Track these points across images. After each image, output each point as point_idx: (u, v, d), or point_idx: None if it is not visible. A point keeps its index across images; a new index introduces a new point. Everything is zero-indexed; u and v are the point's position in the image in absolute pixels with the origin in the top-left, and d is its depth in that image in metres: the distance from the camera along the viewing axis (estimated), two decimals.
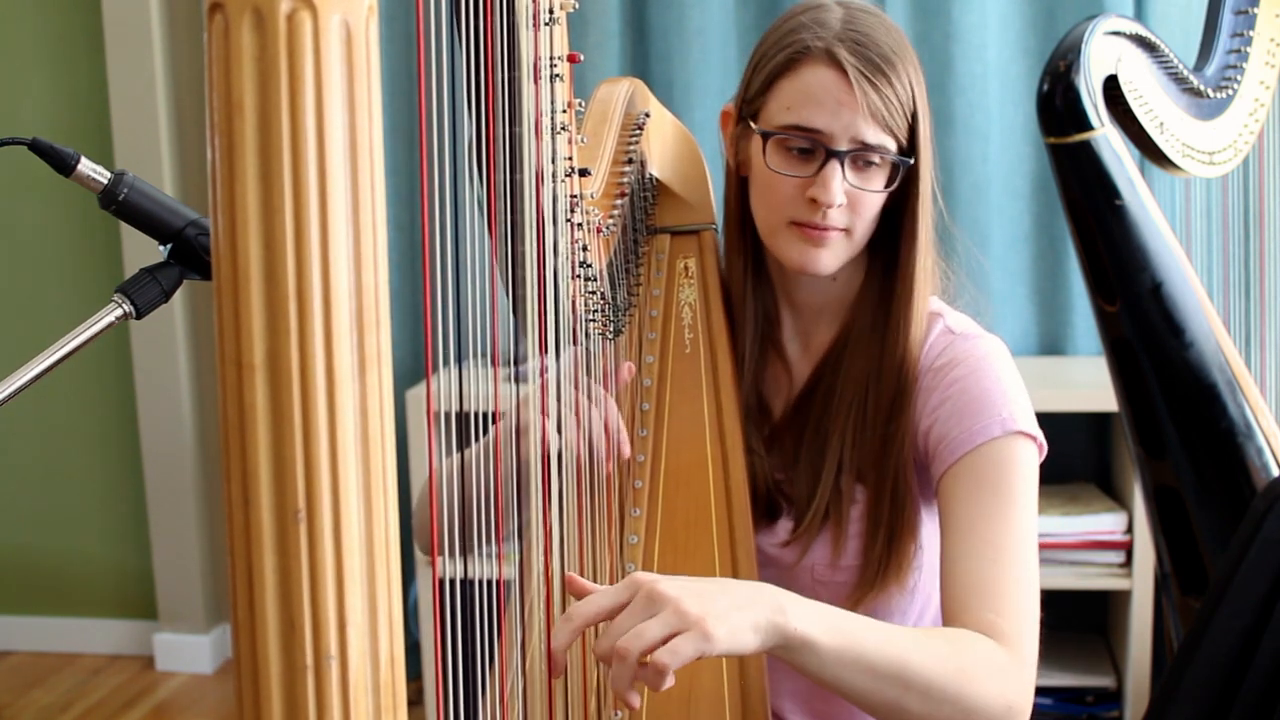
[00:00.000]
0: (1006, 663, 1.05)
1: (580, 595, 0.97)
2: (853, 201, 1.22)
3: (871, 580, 1.24)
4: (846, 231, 1.23)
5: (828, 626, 0.97)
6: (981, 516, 1.14)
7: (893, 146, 1.21)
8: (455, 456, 1.21)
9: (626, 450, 1.16)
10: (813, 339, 1.34)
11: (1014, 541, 1.13)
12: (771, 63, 1.23)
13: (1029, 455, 1.18)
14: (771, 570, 1.26)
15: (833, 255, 1.24)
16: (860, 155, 1.21)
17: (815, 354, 1.33)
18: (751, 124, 1.25)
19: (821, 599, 1.26)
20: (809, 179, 1.21)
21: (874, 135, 1.20)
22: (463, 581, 0.85)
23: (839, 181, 1.20)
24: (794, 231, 1.24)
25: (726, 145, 1.33)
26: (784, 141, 1.22)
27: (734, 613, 0.92)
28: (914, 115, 1.21)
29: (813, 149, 1.21)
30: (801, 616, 0.95)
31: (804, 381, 1.32)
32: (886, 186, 1.23)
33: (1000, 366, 1.23)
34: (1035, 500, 1.18)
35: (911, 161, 1.22)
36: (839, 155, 1.20)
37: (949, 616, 1.12)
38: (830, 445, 1.26)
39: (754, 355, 1.33)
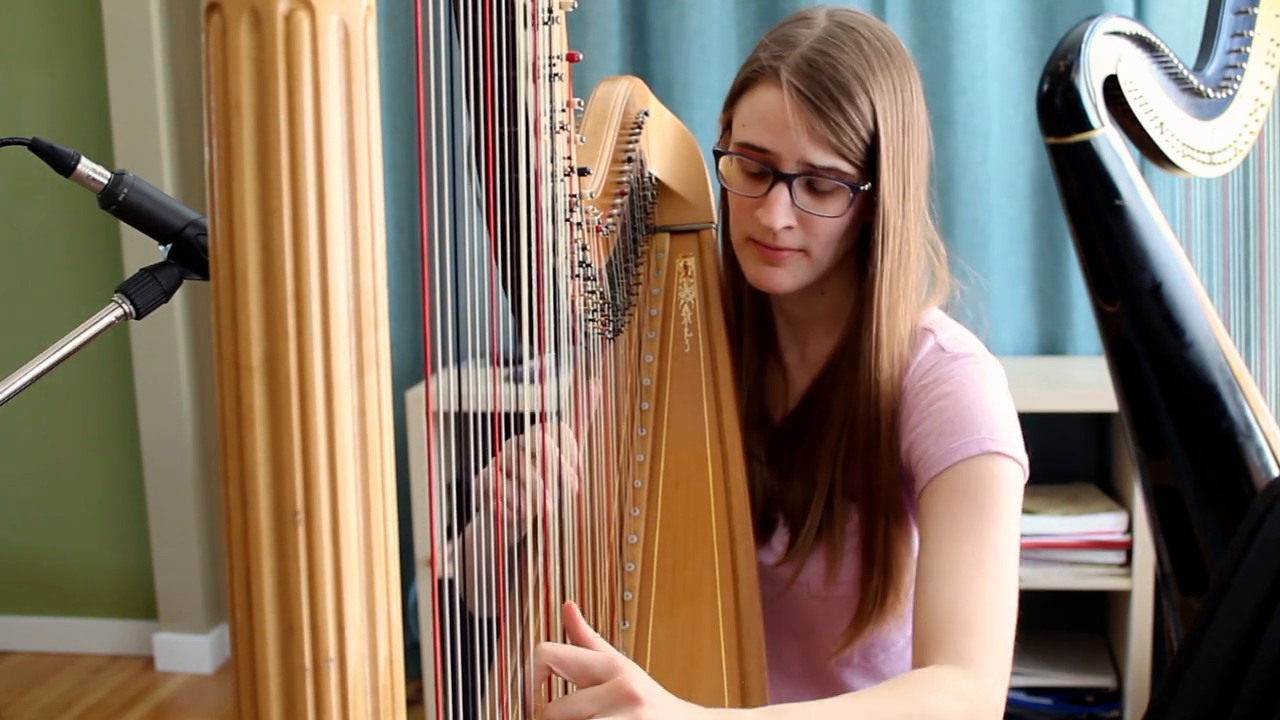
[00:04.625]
0: (974, 694, 1.05)
1: (572, 629, 0.96)
2: (806, 224, 1.20)
3: (870, 603, 1.23)
4: (804, 252, 1.22)
5: None
6: (957, 534, 1.12)
7: (848, 169, 1.18)
8: (458, 540, 1.24)
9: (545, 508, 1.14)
10: (809, 349, 1.32)
11: (989, 560, 1.11)
12: (738, 80, 1.23)
13: (1010, 474, 1.16)
14: (769, 587, 1.25)
15: (789, 275, 1.23)
16: (809, 178, 1.18)
17: (813, 365, 1.32)
18: (722, 137, 1.25)
19: (819, 615, 1.26)
20: (759, 199, 1.21)
21: (822, 158, 1.17)
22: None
23: (783, 205, 1.19)
24: (752, 248, 1.23)
25: None
26: (739, 160, 1.22)
27: None
28: (874, 138, 1.17)
29: (764, 170, 1.20)
30: None
31: (801, 394, 1.31)
32: (845, 210, 1.20)
33: (985, 387, 1.20)
34: (1016, 518, 1.15)
35: (865, 188, 1.19)
36: (785, 178, 1.18)
37: (919, 640, 1.11)
38: (822, 464, 1.25)
39: (753, 363, 1.33)
